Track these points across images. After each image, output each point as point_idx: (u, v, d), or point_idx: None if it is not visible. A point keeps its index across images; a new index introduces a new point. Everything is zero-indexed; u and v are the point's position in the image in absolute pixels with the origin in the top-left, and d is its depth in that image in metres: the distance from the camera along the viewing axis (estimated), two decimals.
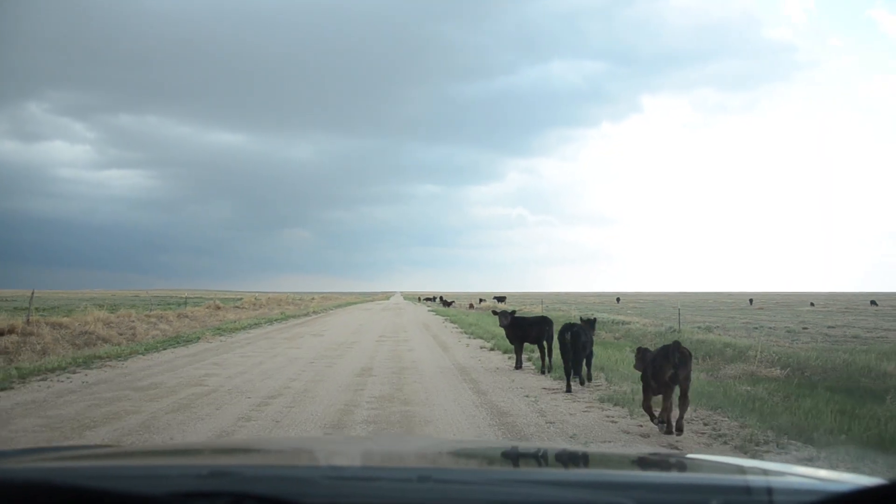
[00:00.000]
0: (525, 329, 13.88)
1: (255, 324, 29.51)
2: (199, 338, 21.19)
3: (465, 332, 25.16)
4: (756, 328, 31.47)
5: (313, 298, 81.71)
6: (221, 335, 22.93)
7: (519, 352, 14.04)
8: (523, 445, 4.36)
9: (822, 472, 1.90)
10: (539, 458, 2.45)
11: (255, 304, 53.64)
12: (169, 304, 56.39)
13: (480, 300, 75.93)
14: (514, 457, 2.42)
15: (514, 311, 14.68)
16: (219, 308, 45.81)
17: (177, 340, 20.46)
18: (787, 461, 4.60)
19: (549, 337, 13.52)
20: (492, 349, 18.31)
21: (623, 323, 33.32)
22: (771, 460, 4.65)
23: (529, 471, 2.05)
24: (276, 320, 33.47)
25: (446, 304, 63.89)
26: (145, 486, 1.38)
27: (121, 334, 24.60)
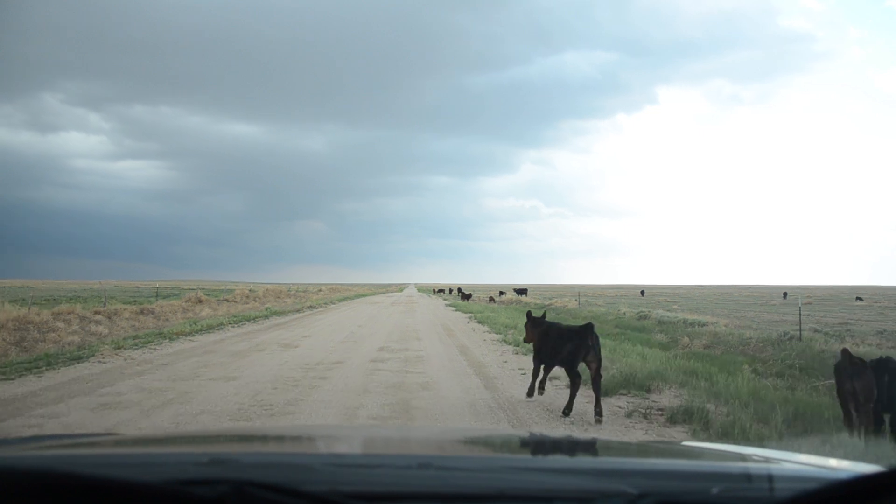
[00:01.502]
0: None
1: (220, 325, 21.38)
2: (93, 353, 13.03)
3: (506, 341, 16.86)
4: (880, 333, 22.92)
5: (320, 290, 73.65)
6: (143, 346, 14.77)
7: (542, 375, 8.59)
8: (524, 433, 4.07)
9: (823, 460, 1.79)
10: (540, 445, 2.34)
11: (247, 297, 45.64)
12: (162, 295, 48.85)
13: (501, 293, 67.57)
14: (515, 444, 2.35)
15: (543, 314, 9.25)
16: (200, 301, 37.99)
17: (53, 358, 12.29)
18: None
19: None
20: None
21: (699, 324, 25.01)
22: (772, 448, 3.53)
23: (531, 458, 1.99)
24: (254, 318, 25.37)
25: (465, 296, 55.56)
26: (145, 473, 1.34)
27: (19, 342, 16.65)
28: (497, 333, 19.51)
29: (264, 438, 2.44)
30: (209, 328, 20.10)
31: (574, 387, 7.90)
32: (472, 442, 2.37)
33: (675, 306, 45.26)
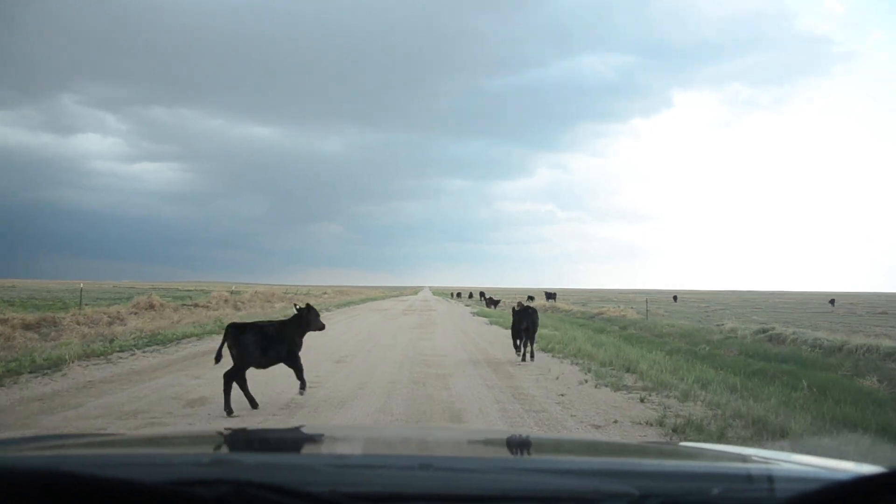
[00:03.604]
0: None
1: (62, 359, 10.95)
2: None
3: (666, 422, 6.25)
4: None
5: (325, 293, 63.19)
6: None
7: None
8: (526, 434, 3.43)
9: (824, 461, 1.67)
10: (542, 446, 2.27)
11: (225, 302, 35.37)
12: (125, 297, 38.93)
13: (530, 297, 56.81)
14: (517, 445, 2.23)
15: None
16: (151, 307, 27.92)
17: None
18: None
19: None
20: None
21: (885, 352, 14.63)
22: (772, 449, 3.39)
23: (532, 459, 1.91)
24: (178, 339, 15.02)
25: (491, 302, 44.90)
26: (146, 473, 1.28)
27: None
28: (617, 389, 8.97)
29: (266, 439, 2.37)
30: (36, 367, 9.76)
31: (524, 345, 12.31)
32: (474, 442, 2.31)
33: (754, 317, 34.56)
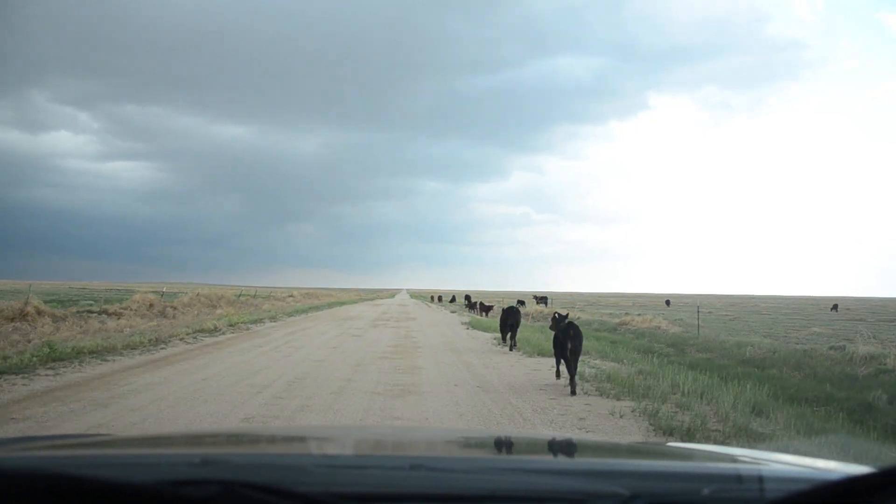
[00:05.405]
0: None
1: None
2: None
3: None
4: None
5: (290, 295, 54.88)
6: None
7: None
8: (516, 434, 3.72)
9: (812, 461, 1.65)
10: (531, 446, 2.23)
11: (149, 308, 27.18)
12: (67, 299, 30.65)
13: (520, 301, 49.40)
14: (506, 445, 2.16)
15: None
16: (24, 316, 20.12)
17: None
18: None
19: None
20: None
21: None
22: (762, 449, 3.18)
23: (522, 459, 1.85)
24: None
25: (483, 309, 37.08)
26: (136, 474, 1.25)
27: None
28: None
29: (256, 439, 2.32)
30: None
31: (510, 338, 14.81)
32: (464, 443, 2.25)
33: (814, 329, 27.48)
